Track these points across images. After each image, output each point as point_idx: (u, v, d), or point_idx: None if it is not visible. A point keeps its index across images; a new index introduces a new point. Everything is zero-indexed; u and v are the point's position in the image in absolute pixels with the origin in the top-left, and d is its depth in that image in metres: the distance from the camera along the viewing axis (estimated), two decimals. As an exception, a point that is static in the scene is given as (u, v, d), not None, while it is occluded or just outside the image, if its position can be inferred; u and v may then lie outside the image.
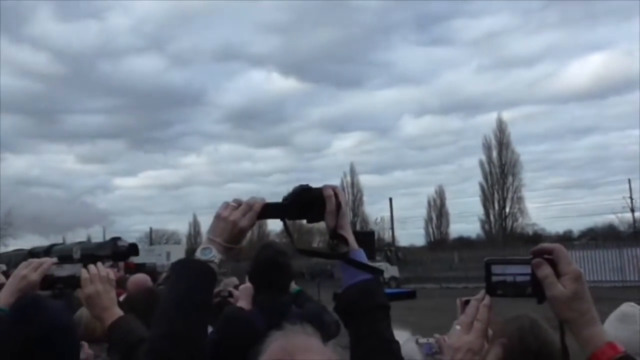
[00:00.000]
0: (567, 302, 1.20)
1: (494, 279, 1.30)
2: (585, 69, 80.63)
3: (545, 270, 1.23)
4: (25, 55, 76.78)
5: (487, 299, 1.29)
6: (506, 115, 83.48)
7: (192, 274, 1.39)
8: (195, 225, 70.04)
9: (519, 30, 78.13)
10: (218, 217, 1.48)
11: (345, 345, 1.43)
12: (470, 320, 1.28)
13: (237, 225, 1.46)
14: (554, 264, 1.24)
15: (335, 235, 1.52)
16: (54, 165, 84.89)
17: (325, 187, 1.54)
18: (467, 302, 1.99)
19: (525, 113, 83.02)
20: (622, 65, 70.07)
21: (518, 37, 77.79)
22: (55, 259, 1.97)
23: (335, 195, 1.53)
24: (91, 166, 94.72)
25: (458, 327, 1.30)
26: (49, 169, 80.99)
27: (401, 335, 2.41)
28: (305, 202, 1.53)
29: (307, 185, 1.55)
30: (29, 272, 1.85)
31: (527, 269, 1.26)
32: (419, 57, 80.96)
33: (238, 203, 1.49)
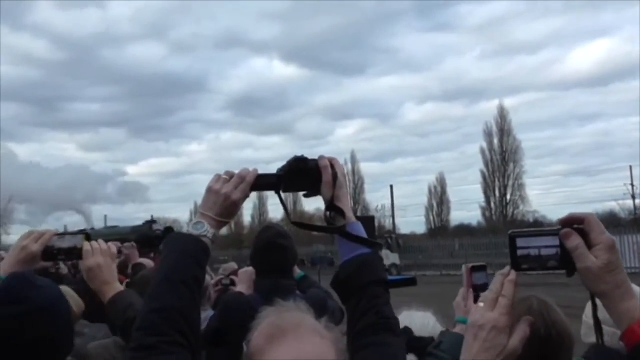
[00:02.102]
0: (599, 273, 1.11)
1: (519, 252, 1.20)
2: (588, 55, 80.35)
3: (575, 241, 1.14)
4: (25, 42, 76.64)
5: (513, 274, 1.20)
6: (509, 101, 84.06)
7: (183, 249, 1.36)
8: (196, 213, 69.87)
9: (522, 16, 77.62)
10: (209, 190, 1.44)
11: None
12: (495, 296, 1.19)
13: (230, 198, 1.42)
14: (584, 234, 1.15)
15: (331, 207, 1.47)
16: (56, 154, 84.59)
17: (321, 157, 1.49)
18: (472, 269, 1.98)
19: (529, 99, 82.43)
20: (625, 52, 69.78)
21: (522, 23, 77.38)
22: (55, 229, 1.95)
23: (332, 165, 1.48)
24: (93, 154, 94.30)
25: (482, 304, 1.21)
26: (51, 157, 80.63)
27: (427, 317, 2.39)
28: (300, 173, 1.47)
29: (303, 155, 1.49)
30: (30, 242, 1.84)
31: (555, 241, 1.18)
32: (421, 43, 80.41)
33: (230, 175, 1.46)
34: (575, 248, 1.14)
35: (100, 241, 1.92)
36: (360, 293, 1.39)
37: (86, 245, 1.88)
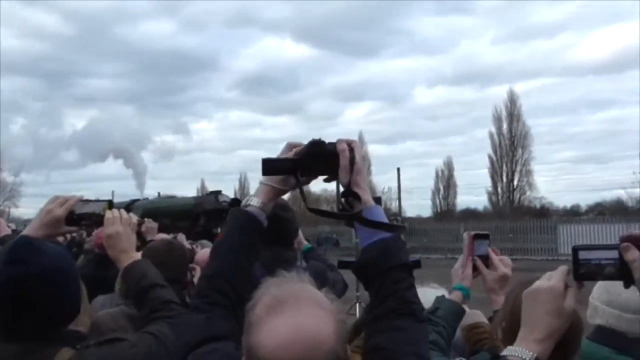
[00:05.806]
0: None
1: (582, 262, 1.38)
2: (606, 40, 78.82)
3: (634, 254, 1.29)
4: (37, 16, 76.06)
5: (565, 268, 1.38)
6: (522, 86, 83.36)
7: (229, 222, 1.52)
8: (202, 191, 69.88)
9: (540, 0, 76.21)
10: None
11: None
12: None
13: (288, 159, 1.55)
14: None
15: (348, 192, 1.46)
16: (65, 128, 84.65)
17: (339, 140, 1.48)
18: (475, 236, 1.98)
19: (541, 85, 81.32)
20: (641, 38, 68.58)
21: (539, 7, 76.00)
22: (81, 195, 1.99)
23: (350, 149, 1.47)
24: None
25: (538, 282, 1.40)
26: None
27: (440, 294, 2.39)
28: (317, 157, 1.47)
29: (320, 139, 1.49)
30: (55, 207, 1.89)
31: (613, 254, 1.34)
32: (436, 26, 79.17)
33: (293, 146, 1.53)
34: (634, 260, 1.29)
35: (122, 210, 1.97)
36: (381, 278, 1.37)
37: (108, 213, 1.93)
